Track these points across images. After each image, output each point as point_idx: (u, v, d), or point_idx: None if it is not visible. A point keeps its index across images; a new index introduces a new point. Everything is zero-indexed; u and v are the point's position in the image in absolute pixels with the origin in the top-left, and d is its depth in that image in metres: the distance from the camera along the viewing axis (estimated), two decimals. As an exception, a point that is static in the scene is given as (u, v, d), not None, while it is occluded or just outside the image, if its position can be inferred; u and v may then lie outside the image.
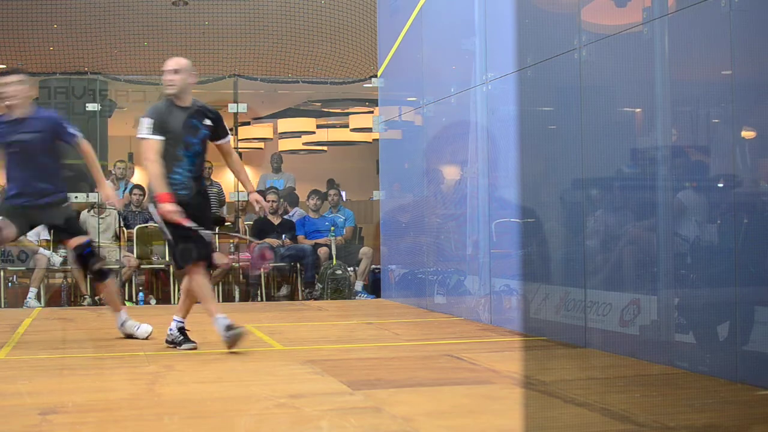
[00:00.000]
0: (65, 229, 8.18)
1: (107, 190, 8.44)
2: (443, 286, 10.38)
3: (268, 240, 13.10)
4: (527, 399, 5.39)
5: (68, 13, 13.91)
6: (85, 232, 8.42)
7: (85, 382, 6.21)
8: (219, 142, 7.97)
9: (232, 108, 13.92)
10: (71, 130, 8.14)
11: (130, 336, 8.23)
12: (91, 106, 14.12)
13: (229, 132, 8.19)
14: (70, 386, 5.99)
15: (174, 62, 7.75)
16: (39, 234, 12.76)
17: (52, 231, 11.86)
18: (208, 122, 7.81)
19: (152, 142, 7.38)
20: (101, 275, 8.28)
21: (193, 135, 7.65)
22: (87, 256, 8.13)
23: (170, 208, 7.22)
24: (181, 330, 7.78)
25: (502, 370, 6.32)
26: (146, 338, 8.20)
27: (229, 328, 7.34)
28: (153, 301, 13.02)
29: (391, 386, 5.71)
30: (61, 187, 8.17)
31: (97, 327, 9.59)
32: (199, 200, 7.80)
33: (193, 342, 7.69)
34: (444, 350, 7.32)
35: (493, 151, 8.96)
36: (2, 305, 12.51)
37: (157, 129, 7.44)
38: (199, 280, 7.51)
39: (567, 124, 7.90)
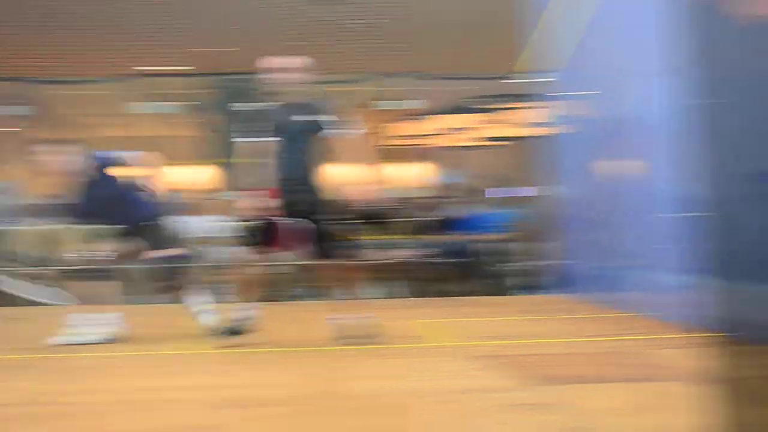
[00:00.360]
0: None
1: None
2: (620, 281, 10.22)
3: (438, 235, 13.12)
4: (705, 397, 5.22)
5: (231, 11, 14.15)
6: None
7: (261, 377, 6.29)
8: None
9: (387, 105, 13.98)
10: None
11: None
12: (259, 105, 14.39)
13: None
14: (247, 380, 6.11)
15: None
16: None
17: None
18: None
19: None
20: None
21: None
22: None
23: None
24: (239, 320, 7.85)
25: (677, 367, 6.14)
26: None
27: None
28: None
29: (562, 382, 5.60)
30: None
31: (285, 321, 9.74)
32: None
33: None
34: (617, 346, 7.19)
35: (677, 143, 8.74)
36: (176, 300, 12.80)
37: None
38: None
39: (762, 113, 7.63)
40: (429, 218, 13.45)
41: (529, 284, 12.82)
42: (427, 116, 21.96)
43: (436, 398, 5.16)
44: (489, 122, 22.30)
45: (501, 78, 14.52)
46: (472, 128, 22.14)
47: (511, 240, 13.12)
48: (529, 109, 19.67)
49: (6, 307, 12.99)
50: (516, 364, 6.36)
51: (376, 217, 13.57)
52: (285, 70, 7.65)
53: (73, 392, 5.72)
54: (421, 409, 4.97)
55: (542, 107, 15.09)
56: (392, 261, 12.90)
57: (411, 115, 21.50)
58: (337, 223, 7.58)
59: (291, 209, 7.53)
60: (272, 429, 4.60)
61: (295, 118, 7.59)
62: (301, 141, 7.57)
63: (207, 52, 14.70)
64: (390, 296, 12.92)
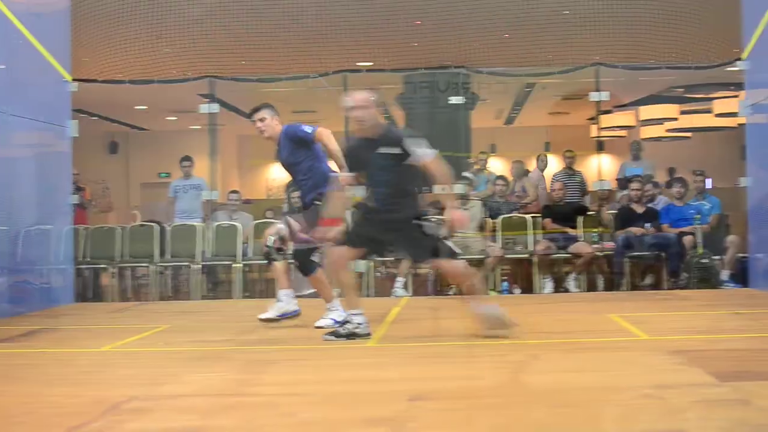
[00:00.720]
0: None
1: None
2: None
3: (632, 229, 12.99)
4: None
5: (431, 8, 14.27)
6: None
7: (452, 369, 6.39)
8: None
9: (593, 96, 13.88)
10: (305, 129, 8.99)
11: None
12: (455, 99, 14.43)
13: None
14: (438, 373, 6.18)
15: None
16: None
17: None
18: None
19: None
20: (304, 271, 8.97)
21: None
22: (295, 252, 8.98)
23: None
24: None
25: None
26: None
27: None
28: (517, 291, 13.18)
29: (760, 378, 5.54)
30: (321, 186, 8.77)
31: (463, 315, 9.82)
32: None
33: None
34: (817, 342, 7.05)
35: None
36: (372, 294, 13.02)
37: None
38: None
39: None
40: (627, 211, 13.31)
41: (726, 278, 12.58)
42: (632, 107, 21.72)
43: (636, 393, 5.18)
44: (691, 112, 21.90)
45: (701, 67, 14.21)
46: (675, 118, 21.79)
47: (707, 233, 12.87)
48: (727, 99, 19.27)
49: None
50: (714, 358, 6.31)
51: (574, 212, 13.52)
52: (363, 106, 7.89)
53: (259, 384, 5.99)
54: (620, 404, 5.01)
55: (738, 96, 14.78)
56: (589, 255, 12.83)
57: (618, 106, 21.29)
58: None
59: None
60: (463, 421, 4.71)
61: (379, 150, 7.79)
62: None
63: (396, 48, 14.85)
64: (585, 290, 12.86)
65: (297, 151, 8.96)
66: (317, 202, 8.75)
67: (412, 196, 7.90)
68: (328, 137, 8.87)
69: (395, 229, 7.76)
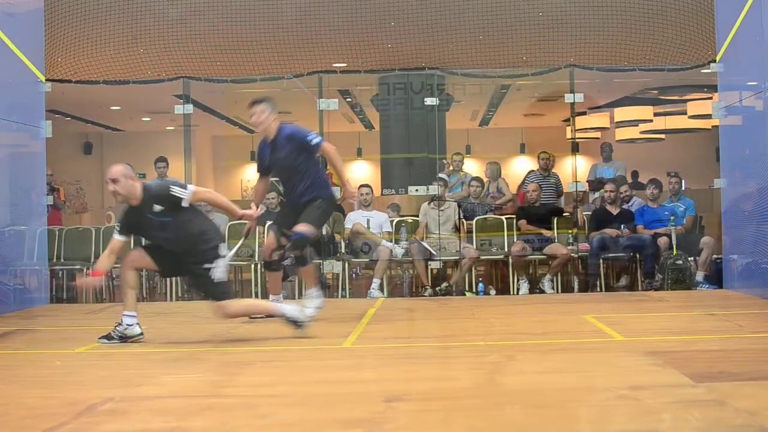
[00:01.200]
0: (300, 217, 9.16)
1: (348, 188, 9.61)
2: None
3: (607, 230, 13.04)
4: None
5: (406, 9, 14.27)
6: (312, 226, 9.14)
7: (428, 370, 6.41)
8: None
9: (568, 98, 13.90)
10: (310, 138, 9.25)
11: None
12: (430, 101, 14.43)
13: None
14: (414, 374, 6.20)
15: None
16: (381, 226, 13.23)
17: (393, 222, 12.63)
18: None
19: None
20: (301, 261, 9.47)
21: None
22: (294, 241, 9.05)
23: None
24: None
25: None
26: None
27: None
28: (492, 292, 13.20)
29: (735, 379, 5.58)
30: (317, 190, 9.28)
31: (439, 317, 9.84)
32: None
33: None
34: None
35: None
36: (347, 295, 13.03)
37: None
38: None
39: None
40: (602, 212, 13.36)
41: (701, 279, 12.63)
42: (607, 109, 21.78)
43: (611, 394, 5.20)
44: (665, 114, 21.99)
45: (675, 69, 14.25)
46: (650, 120, 21.86)
47: (682, 234, 12.93)
48: (701, 101, 19.36)
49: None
50: (689, 359, 6.35)
51: (549, 214, 13.56)
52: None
53: (234, 385, 5.98)
54: (596, 405, 5.03)
55: (712, 98, 14.84)
56: (564, 256, 12.86)
57: (593, 107, 21.35)
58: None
59: None
60: (440, 422, 4.72)
61: None
62: None
63: (375, 49, 14.85)
64: (560, 291, 12.90)
65: (298, 154, 9.18)
66: (314, 203, 9.19)
67: None
68: (335, 155, 9.42)
69: None
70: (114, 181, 7.78)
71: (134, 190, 7.82)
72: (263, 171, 9.53)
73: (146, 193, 7.82)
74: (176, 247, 7.96)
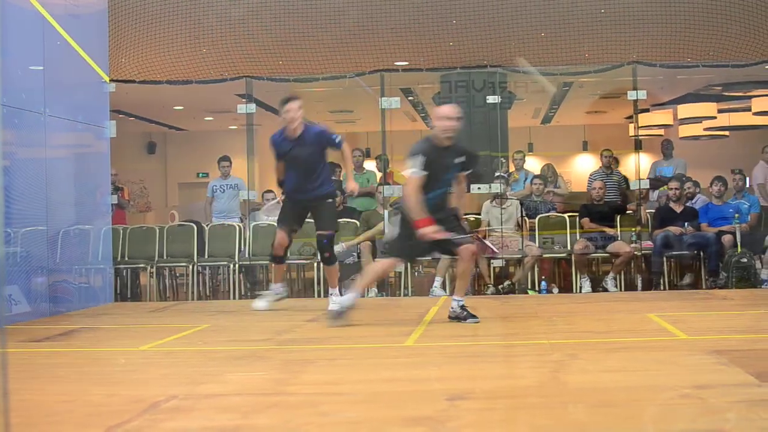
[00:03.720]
0: (320, 219, 10.06)
1: (351, 183, 10.12)
2: None
3: (671, 228, 12.92)
4: None
5: (467, 7, 14.24)
6: (335, 226, 10.30)
7: (492, 369, 6.39)
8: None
9: (631, 95, 13.79)
10: (333, 136, 10.01)
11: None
12: (492, 99, 14.38)
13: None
14: (477, 373, 6.18)
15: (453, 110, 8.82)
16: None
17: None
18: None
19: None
20: (329, 261, 10.13)
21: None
22: (325, 245, 10.02)
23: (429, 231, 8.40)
24: (463, 307, 8.86)
25: None
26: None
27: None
28: (555, 290, 13.14)
29: (801, 379, 5.51)
30: (327, 185, 10.11)
31: (502, 315, 9.81)
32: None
33: (476, 317, 8.79)
34: None
35: None
36: (409, 293, 13.03)
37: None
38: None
39: None
40: (665, 210, 13.24)
41: (766, 277, 12.48)
42: (670, 105, 21.57)
43: (675, 393, 5.16)
44: (729, 110, 21.73)
45: (740, 65, 14.10)
46: (713, 117, 21.62)
47: (746, 232, 12.79)
48: (765, 97, 19.12)
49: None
50: (754, 358, 6.27)
51: (612, 212, 13.47)
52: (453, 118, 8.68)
53: (297, 383, 5.99)
54: (659, 404, 4.99)
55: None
56: (627, 254, 12.78)
57: (656, 104, 21.15)
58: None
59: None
60: (504, 421, 4.71)
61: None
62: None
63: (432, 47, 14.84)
64: (623, 289, 12.81)
65: (321, 152, 9.98)
66: (326, 202, 10.07)
67: None
68: (350, 153, 10.45)
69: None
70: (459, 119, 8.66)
71: None
72: (280, 159, 10.18)
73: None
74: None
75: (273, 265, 10.79)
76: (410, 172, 8.47)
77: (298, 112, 9.85)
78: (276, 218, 10.62)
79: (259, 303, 10.57)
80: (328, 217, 10.11)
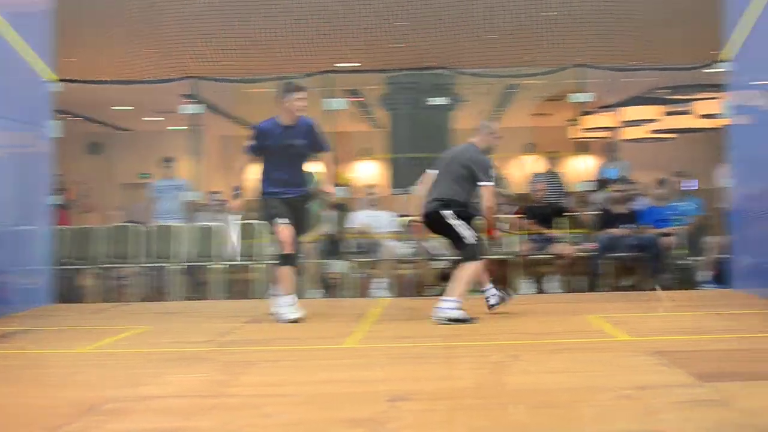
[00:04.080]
0: (303, 224, 9.61)
1: (332, 188, 9.90)
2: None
3: (613, 230, 13.01)
4: None
5: (415, 9, 14.27)
6: (309, 229, 10.19)
7: (433, 370, 6.39)
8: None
9: (576, 98, 13.88)
10: (325, 142, 9.69)
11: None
12: (438, 100, 14.42)
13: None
14: (418, 374, 6.18)
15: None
16: (387, 226, 13.23)
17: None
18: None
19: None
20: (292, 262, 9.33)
21: None
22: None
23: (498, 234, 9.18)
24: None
25: None
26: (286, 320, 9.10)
27: None
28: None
29: (740, 379, 5.56)
30: (306, 181, 9.71)
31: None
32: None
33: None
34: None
35: None
36: (351, 295, 13.02)
37: None
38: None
39: None
40: (608, 212, 13.34)
41: (707, 279, 12.62)
42: (613, 108, 21.73)
43: (616, 393, 5.19)
44: (672, 114, 21.92)
45: (684, 69, 14.25)
46: (655, 120, 21.80)
47: (686, 234, 12.92)
48: (709, 100, 19.31)
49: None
50: (695, 359, 6.33)
51: (554, 213, 13.56)
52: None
53: (239, 385, 5.96)
54: (599, 405, 5.02)
55: (721, 98, 14.81)
56: (569, 255, 12.86)
57: (599, 107, 21.28)
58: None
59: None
60: (444, 422, 4.71)
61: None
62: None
63: (380, 48, 14.85)
64: (566, 291, 12.89)
65: (311, 146, 9.53)
66: (307, 205, 9.70)
67: None
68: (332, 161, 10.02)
69: None
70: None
71: None
72: (257, 151, 9.46)
73: None
74: None
75: (282, 268, 9.28)
76: (490, 183, 9.20)
77: (306, 100, 9.52)
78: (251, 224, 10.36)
79: (289, 315, 9.17)
80: (308, 223, 9.92)
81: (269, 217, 9.38)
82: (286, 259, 9.23)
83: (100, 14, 14.11)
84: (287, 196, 9.41)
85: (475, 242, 9.00)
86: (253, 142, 9.47)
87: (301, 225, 9.49)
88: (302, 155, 9.52)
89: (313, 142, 9.49)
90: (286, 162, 9.45)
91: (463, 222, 9.04)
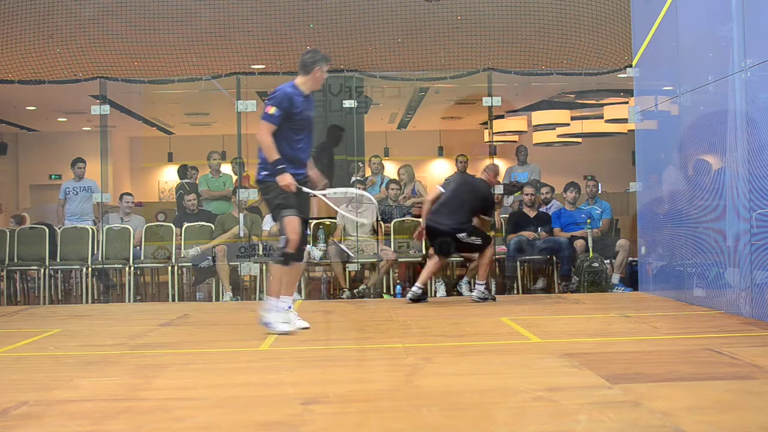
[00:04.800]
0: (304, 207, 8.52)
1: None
2: (702, 279, 10.15)
3: (524, 233, 13.15)
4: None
5: (325, 12, 14.26)
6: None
7: (346, 373, 6.40)
8: None
9: (486, 101, 13.96)
10: None
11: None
12: (348, 103, 14.41)
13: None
14: (331, 377, 6.18)
15: None
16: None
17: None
18: None
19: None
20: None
21: None
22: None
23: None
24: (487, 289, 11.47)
25: (765, 366, 6.15)
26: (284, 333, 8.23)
27: None
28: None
29: (649, 380, 5.64)
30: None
31: (357, 319, 9.84)
32: None
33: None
34: (704, 344, 7.17)
35: (753, 140, 8.70)
36: (264, 298, 12.97)
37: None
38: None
39: None
40: (519, 215, 13.46)
41: (616, 281, 12.79)
42: (525, 112, 21.89)
43: (528, 395, 5.24)
44: (582, 118, 22.15)
45: (592, 74, 14.42)
46: (567, 124, 22.00)
47: (598, 237, 13.08)
48: (617, 105, 19.56)
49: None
50: (604, 361, 6.41)
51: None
52: None
53: (150, 388, 5.90)
54: (512, 406, 5.06)
55: (629, 103, 15.02)
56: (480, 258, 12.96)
57: (511, 111, 21.43)
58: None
59: None
60: (357, 424, 4.72)
61: None
62: None
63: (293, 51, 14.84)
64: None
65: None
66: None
67: None
68: None
69: None
70: None
71: None
72: (281, 122, 8.29)
73: None
74: None
75: (285, 267, 8.33)
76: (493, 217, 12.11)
77: None
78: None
79: (281, 325, 8.24)
80: (309, 210, 8.72)
81: (280, 205, 8.30)
82: (291, 257, 8.30)
83: (4, 12, 13.89)
84: (299, 179, 8.40)
85: (487, 241, 11.38)
86: (278, 111, 8.32)
87: (306, 213, 8.55)
88: (312, 125, 8.72)
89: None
90: (302, 138, 8.51)
91: (469, 233, 11.29)
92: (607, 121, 20.48)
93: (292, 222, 8.20)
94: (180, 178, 17.06)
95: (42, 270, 13.31)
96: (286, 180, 8.17)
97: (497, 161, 14.12)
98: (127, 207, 14.32)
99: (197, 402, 5.34)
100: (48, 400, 5.43)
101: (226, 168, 15.65)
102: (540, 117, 21.42)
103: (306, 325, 8.55)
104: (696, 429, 4.37)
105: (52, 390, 5.79)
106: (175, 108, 20.95)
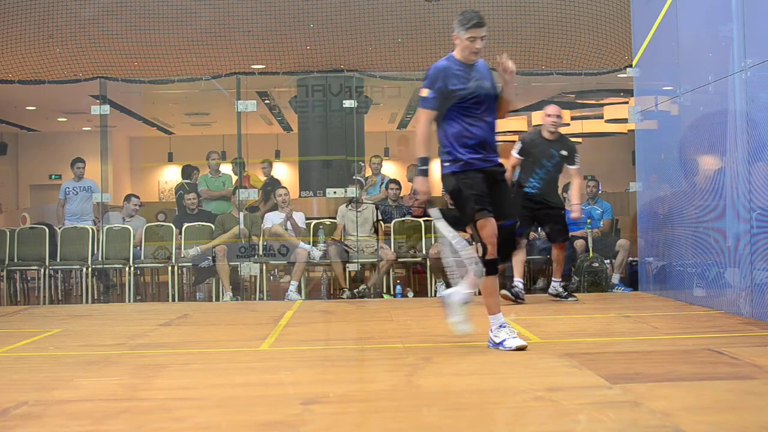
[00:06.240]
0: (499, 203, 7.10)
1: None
2: (702, 279, 10.14)
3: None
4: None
5: (325, 12, 14.26)
6: (516, 213, 7.78)
7: (346, 373, 6.39)
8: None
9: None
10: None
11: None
12: (348, 103, 14.42)
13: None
14: (331, 377, 6.18)
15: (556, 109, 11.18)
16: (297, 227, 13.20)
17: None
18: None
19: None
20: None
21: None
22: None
23: None
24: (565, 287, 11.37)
25: (765, 366, 6.14)
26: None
27: None
28: (410, 294, 13.23)
29: (650, 380, 5.64)
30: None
31: (357, 319, 9.84)
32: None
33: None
34: (704, 344, 7.16)
35: (753, 140, 8.69)
36: (264, 298, 12.98)
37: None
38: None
39: None
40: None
41: (616, 281, 12.77)
42: (524, 112, 21.87)
43: (528, 395, 5.23)
44: (582, 118, 22.13)
45: (592, 74, 14.42)
46: (567, 124, 21.98)
47: (598, 237, 13.07)
48: (617, 105, 19.56)
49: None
50: (604, 361, 6.40)
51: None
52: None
53: (150, 388, 5.91)
54: (512, 406, 5.06)
55: (629, 103, 15.01)
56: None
57: (511, 111, 21.39)
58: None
59: None
60: (357, 424, 4.71)
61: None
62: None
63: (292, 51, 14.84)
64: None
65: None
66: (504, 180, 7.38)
67: None
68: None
69: None
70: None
71: None
72: (440, 104, 7.05)
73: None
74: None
75: (485, 279, 7.14)
76: None
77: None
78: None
79: (464, 326, 7.12)
80: (513, 205, 7.66)
81: (467, 203, 6.96)
82: (490, 265, 7.04)
83: (4, 12, 13.89)
84: (486, 165, 7.09)
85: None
86: (432, 92, 7.04)
87: (503, 209, 7.12)
88: (494, 96, 7.22)
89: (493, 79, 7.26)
90: (481, 107, 7.11)
91: None
92: (607, 121, 20.47)
93: (484, 224, 6.89)
94: (183, 179, 17.07)
95: (42, 270, 13.31)
96: (422, 186, 7.00)
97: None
98: (134, 209, 14.28)
99: (197, 402, 5.34)
100: (48, 400, 5.43)
101: (227, 168, 15.66)
102: (540, 117, 21.42)
103: (523, 344, 7.01)
104: (696, 429, 4.36)
105: (52, 390, 5.79)
106: (175, 108, 20.98)
